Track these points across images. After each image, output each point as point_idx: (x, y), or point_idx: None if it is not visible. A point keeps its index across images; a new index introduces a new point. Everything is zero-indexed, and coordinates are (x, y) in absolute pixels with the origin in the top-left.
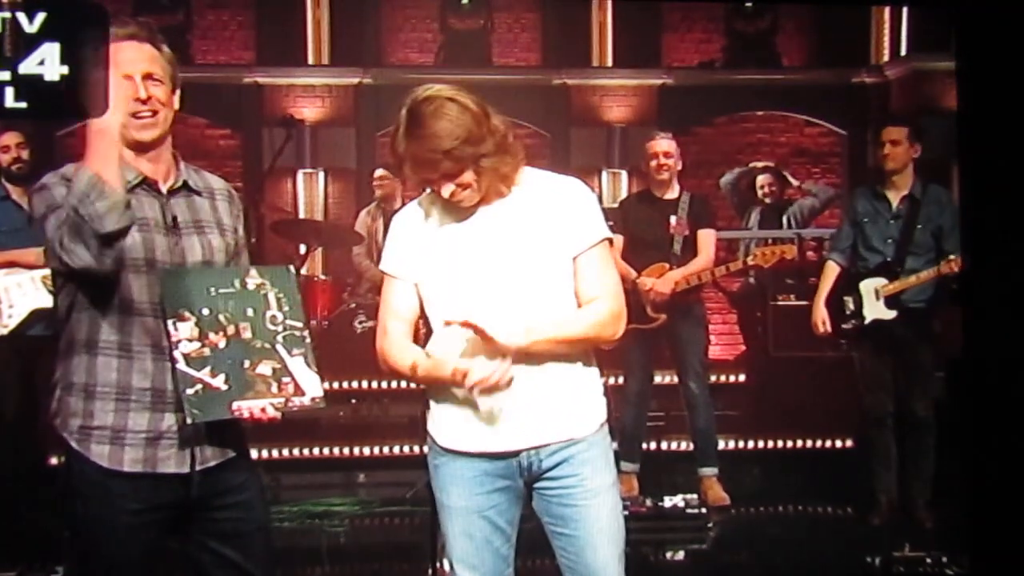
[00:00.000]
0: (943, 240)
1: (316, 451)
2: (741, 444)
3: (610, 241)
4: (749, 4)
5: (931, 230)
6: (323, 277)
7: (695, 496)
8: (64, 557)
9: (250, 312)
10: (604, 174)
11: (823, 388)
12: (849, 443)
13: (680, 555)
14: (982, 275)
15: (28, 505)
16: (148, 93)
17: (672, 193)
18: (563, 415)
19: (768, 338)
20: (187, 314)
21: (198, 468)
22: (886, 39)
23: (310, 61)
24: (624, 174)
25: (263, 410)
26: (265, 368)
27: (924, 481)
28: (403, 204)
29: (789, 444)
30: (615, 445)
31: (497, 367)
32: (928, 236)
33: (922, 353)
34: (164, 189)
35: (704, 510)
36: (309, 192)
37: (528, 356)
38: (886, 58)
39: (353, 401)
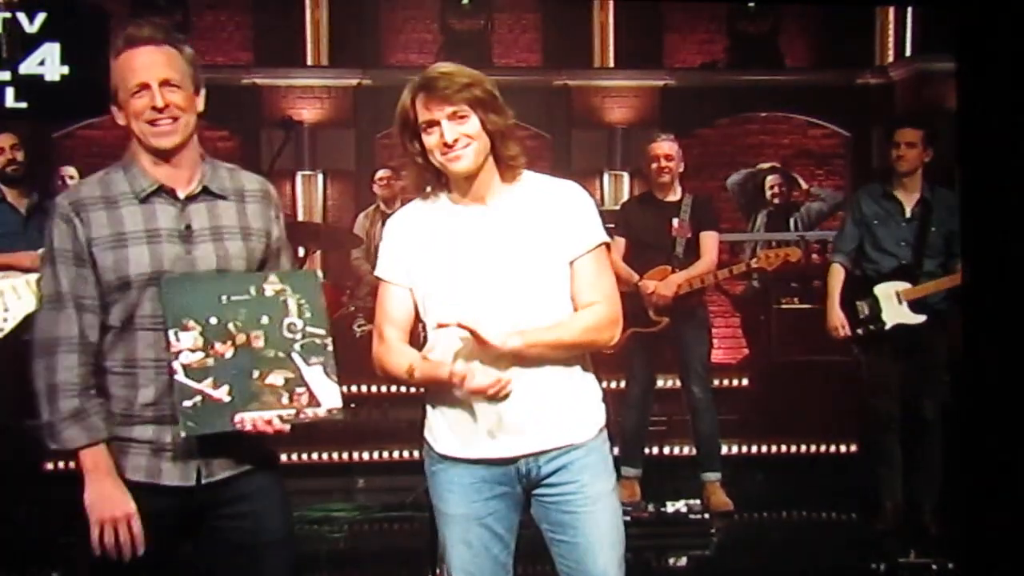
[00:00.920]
0: (954, 243)
1: (315, 456)
2: (744, 449)
3: (607, 245)
4: (752, 4)
5: (943, 233)
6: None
7: (698, 501)
8: (78, 564)
9: (264, 320)
10: (606, 176)
11: (827, 392)
12: (854, 448)
13: (683, 561)
14: (982, 275)
15: (25, 508)
16: (165, 100)
17: (674, 195)
18: (561, 421)
19: (772, 342)
20: (191, 323)
21: (204, 482)
22: (890, 40)
23: (309, 62)
24: (626, 176)
25: (268, 422)
26: (277, 378)
27: (930, 486)
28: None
29: (793, 449)
30: (616, 450)
31: (495, 379)
32: (941, 239)
33: (940, 355)
34: (182, 195)
35: (707, 516)
36: (308, 194)
37: (525, 362)
38: (890, 59)
39: (352, 406)
